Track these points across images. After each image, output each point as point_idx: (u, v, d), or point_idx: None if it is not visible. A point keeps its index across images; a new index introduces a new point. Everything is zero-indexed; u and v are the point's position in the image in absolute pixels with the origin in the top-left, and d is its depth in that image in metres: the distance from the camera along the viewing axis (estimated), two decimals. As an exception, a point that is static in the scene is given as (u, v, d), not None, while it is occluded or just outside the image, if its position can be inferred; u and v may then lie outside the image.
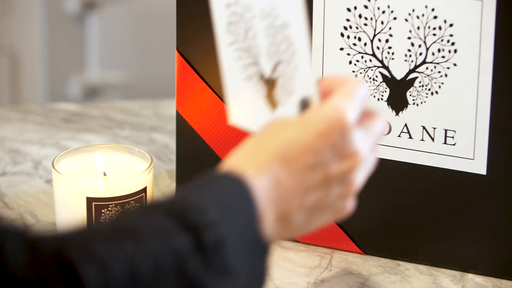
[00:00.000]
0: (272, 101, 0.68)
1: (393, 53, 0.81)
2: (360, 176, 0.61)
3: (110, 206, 0.83)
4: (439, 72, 0.80)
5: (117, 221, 0.51)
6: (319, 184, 0.59)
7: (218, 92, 0.86)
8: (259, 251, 0.55)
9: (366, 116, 0.62)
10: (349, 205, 0.62)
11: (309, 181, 0.59)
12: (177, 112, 0.88)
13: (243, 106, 0.69)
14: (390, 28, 0.80)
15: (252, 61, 0.68)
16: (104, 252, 0.46)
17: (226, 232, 0.53)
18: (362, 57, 0.82)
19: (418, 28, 0.79)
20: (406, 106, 0.82)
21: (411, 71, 0.81)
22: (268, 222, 0.57)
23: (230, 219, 0.53)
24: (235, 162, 0.58)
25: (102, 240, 0.47)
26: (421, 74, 0.80)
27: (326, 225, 0.64)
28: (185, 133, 0.88)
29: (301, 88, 0.67)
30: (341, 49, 0.82)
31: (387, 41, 0.80)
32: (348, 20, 0.81)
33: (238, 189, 0.56)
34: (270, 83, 0.69)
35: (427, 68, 0.80)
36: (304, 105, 0.65)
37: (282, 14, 0.69)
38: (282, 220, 0.58)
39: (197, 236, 0.51)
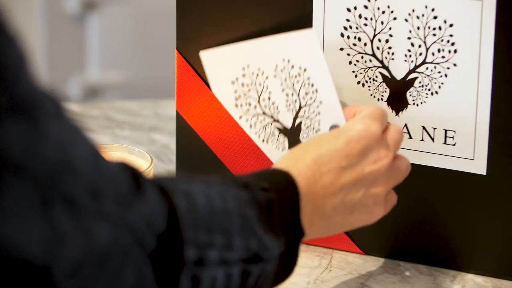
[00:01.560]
0: None
1: (393, 53, 0.81)
2: (392, 179, 0.73)
3: (110, 206, 0.83)
4: (439, 72, 0.80)
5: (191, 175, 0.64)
6: (353, 184, 0.69)
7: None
8: (296, 234, 0.65)
9: (386, 129, 0.74)
10: (382, 206, 0.73)
11: (343, 181, 0.69)
12: (177, 112, 0.88)
13: None
14: (390, 28, 0.80)
15: (269, 122, 0.79)
16: (189, 187, 0.59)
17: (275, 199, 0.63)
18: (362, 57, 0.82)
19: (418, 28, 0.79)
20: (406, 106, 0.82)
21: (411, 71, 0.81)
22: (306, 211, 0.66)
23: (279, 195, 0.64)
24: (281, 164, 0.69)
25: (186, 181, 0.60)
26: (421, 74, 0.80)
27: (362, 225, 0.73)
28: (185, 133, 0.88)
29: (329, 119, 0.78)
30: (341, 49, 0.82)
31: (387, 41, 0.80)
32: (348, 20, 0.81)
33: (285, 178, 0.66)
34: (292, 134, 0.78)
35: (427, 68, 0.80)
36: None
37: (298, 62, 0.77)
38: (319, 215, 0.68)
39: (252, 192, 0.62)
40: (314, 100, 0.79)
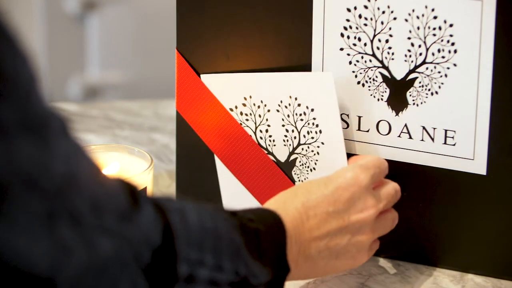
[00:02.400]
0: None
1: (393, 53, 0.81)
2: (377, 230, 0.75)
3: (110, 206, 0.83)
4: (439, 72, 0.80)
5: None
6: (339, 231, 0.71)
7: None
8: (281, 269, 0.66)
9: (381, 183, 0.76)
10: (366, 254, 0.75)
11: (329, 226, 0.71)
12: (177, 112, 0.88)
13: None
14: (390, 28, 0.80)
15: None
16: (182, 206, 0.61)
17: (263, 230, 0.65)
18: (362, 57, 0.81)
19: (418, 28, 0.79)
20: (406, 106, 0.82)
21: (411, 71, 0.80)
22: (292, 251, 0.68)
23: (266, 229, 0.66)
24: (270, 205, 0.71)
25: (179, 200, 0.63)
26: (421, 74, 0.80)
27: (346, 269, 0.76)
28: (185, 133, 0.88)
29: (328, 160, 0.80)
30: (341, 49, 0.82)
31: (387, 41, 0.80)
32: (348, 20, 0.81)
33: (273, 216, 0.68)
34: (284, 167, 0.79)
35: (427, 68, 0.80)
36: None
37: (306, 101, 0.79)
38: (304, 257, 0.70)
39: (241, 220, 0.64)
40: (316, 140, 0.80)
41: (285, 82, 0.81)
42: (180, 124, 0.89)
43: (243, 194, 0.85)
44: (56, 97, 2.02)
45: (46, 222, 0.48)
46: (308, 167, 0.82)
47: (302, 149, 0.81)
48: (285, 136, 0.82)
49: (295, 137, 0.81)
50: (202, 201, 0.65)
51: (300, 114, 0.81)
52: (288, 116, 0.81)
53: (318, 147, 0.81)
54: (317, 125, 0.80)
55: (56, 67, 2.05)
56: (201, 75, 0.82)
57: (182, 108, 0.88)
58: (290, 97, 0.80)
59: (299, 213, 0.70)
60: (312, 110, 0.80)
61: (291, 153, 0.82)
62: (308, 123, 0.80)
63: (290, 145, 0.82)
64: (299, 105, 0.80)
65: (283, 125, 0.82)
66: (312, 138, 0.81)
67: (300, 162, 0.82)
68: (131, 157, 0.90)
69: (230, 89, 0.82)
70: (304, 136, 0.81)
